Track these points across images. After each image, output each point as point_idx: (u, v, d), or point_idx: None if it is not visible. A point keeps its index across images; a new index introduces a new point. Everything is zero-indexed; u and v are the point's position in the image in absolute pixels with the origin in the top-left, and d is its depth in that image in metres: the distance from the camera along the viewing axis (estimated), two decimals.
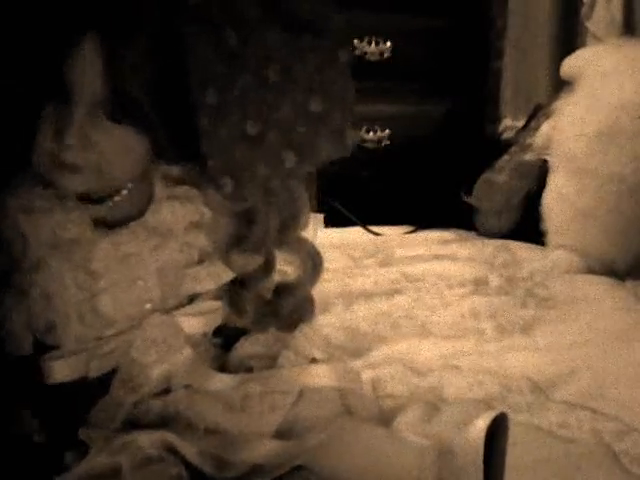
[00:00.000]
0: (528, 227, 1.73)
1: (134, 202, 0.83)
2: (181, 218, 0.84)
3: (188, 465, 0.75)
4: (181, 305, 0.85)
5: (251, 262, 0.89)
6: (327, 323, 1.26)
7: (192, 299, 0.86)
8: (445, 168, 1.96)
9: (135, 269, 0.81)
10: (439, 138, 2.00)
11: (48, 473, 0.74)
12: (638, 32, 1.87)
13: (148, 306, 0.82)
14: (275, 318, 0.92)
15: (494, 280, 1.50)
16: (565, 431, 0.96)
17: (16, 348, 0.79)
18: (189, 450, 0.75)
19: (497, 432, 0.77)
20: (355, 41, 1.96)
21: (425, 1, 2.01)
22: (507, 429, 0.78)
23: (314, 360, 0.89)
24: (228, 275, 0.87)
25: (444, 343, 1.22)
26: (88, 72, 0.73)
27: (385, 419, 0.84)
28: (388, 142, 1.99)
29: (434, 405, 0.86)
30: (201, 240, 0.86)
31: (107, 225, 0.81)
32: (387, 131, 1.99)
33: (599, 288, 1.47)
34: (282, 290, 0.92)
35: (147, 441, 0.75)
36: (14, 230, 0.78)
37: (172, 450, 0.75)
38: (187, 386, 0.82)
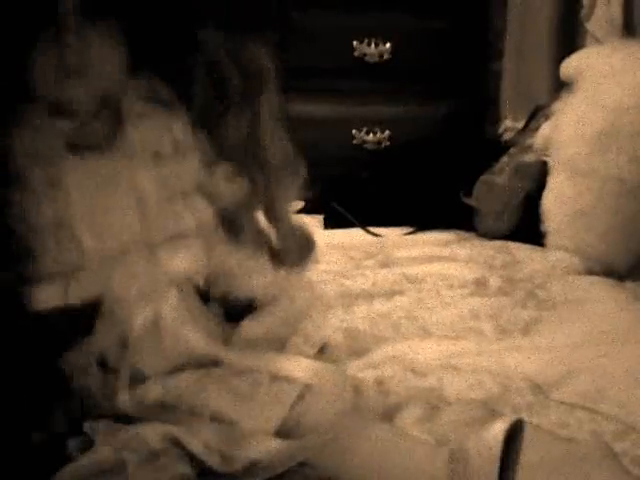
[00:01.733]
0: (528, 228, 1.73)
1: (105, 128, 0.82)
2: (151, 135, 0.83)
3: (193, 458, 0.75)
4: (163, 243, 0.83)
5: (234, 183, 0.87)
6: (327, 324, 1.26)
7: (175, 239, 0.84)
8: (445, 169, 1.96)
9: (111, 194, 0.80)
10: (439, 139, 2.00)
11: (51, 464, 0.74)
12: (638, 33, 1.87)
13: (127, 238, 0.81)
14: (269, 246, 0.90)
15: (494, 281, 1.50)
16: (565, 431, 0.96)
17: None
18: (195, 444, 0.75)
19: (513, 439, 0.77)
20: (354, 43, 1.96)
21: (424, 2, 2.01)
22: (523, 437, 0.77)
23: (319, 354, 0.89)
24: (209, 212, 0.86)
25: (444, 343, 1.22)
26: None
27: (386, 418, 0.84)
28: (388, 143, 2.00)
29: (434, 405, 0.85)
30: (177, 170, 0.84)
31: (81, 149, 0.80)
32: (387, 132, 1.99)
33: (599, 289, 1.47)
34: (269, 208, 0.90)
35: (152, 435, 0.75)
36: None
37: (177, 444, 0.75)
38: (188, 369, 0.81)
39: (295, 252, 0.90)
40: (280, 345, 0.85)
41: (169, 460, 0.74)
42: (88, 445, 0.76)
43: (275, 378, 0.79)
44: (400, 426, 0.82)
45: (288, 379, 0.79)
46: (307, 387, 0.80)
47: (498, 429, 0.76)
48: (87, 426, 0.77)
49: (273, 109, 0.87)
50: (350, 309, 1.35)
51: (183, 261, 0.83)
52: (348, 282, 1.47)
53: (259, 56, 0.84)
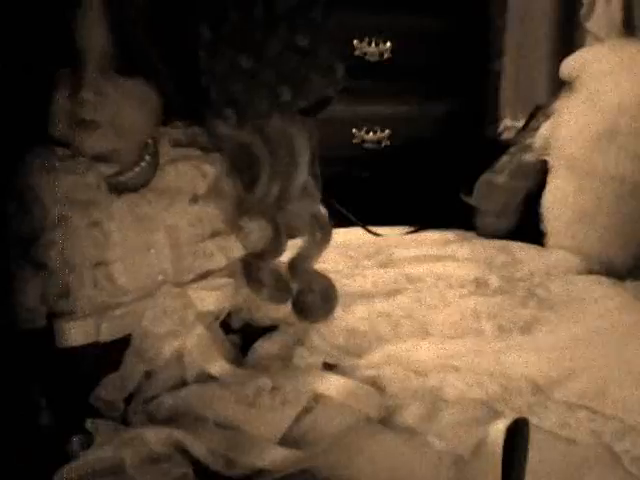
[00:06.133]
0: (528, 228, 1.73)
1: (147, 172, 0.84)
2: (186, 177, 0.85)
3: (195, 462, 0.75)
4: (194, 281, 0.85)
5: (260, 231, 0.89)
6: (326, 324, 1.26)
7: (205, 277, 0.86)
8: (445, 168, 1.96)
9: (148, 234, 0.82)
10: (439, 138, 2.00)
11: (54, 458, 0.74)
12: (638, 32, 1.87)
13: (160, 277, 0.83)
14: (289, 294, 0.92)
15: (494, 280, 1.50)
16: (565, 431, 0.96)
17: (30, 321, 0.80)
18: (198, 447, 0.75)
19: (517, 438, 0.76)
20: (355, 42, 1.96)
21: (424, 2, 2.01)
22: (528, 435, 0.77)
23: (327, 366, 0.89)
24: (239, 251, 0.88)
25: (444, 343, 1.22)
26: (95, 29, 0.76)
27: (386, 418, 0.84)
28: (388, 142, 1.99)
29: (434, 405, 0.85)
30: (210, 211, 0.86)
31: (119, 191, 0.83)
32: (387, 131, 1.99)
33: (599, 288, 1.47)
34: (293, 264, 0.92)
35: (154, 438, 0.75)
36: (34, 192, 0.79)
37: (180, 448, 0.75)
38: (199, 378, 0.82)
39: (316, 306, 0.92)
40: (288, 361, 0.86)
41: (169, 465, 0.74)
42: (90, 443, 0.76)
43: (278, 386, 0.79)
44: (402, 427, 0.81)
45: (293, 387, 0.80)
46: (315, 399, 0.80)
47: (498, 431, 0.76)
48: (89, 424, 0.78)
49: (305, 181, 0.89)
50: (350, 309, 1.35)
51: (212, 299, 0.85)
52: (348, 281, 1.46)
53: (291, 130, 0.87)
